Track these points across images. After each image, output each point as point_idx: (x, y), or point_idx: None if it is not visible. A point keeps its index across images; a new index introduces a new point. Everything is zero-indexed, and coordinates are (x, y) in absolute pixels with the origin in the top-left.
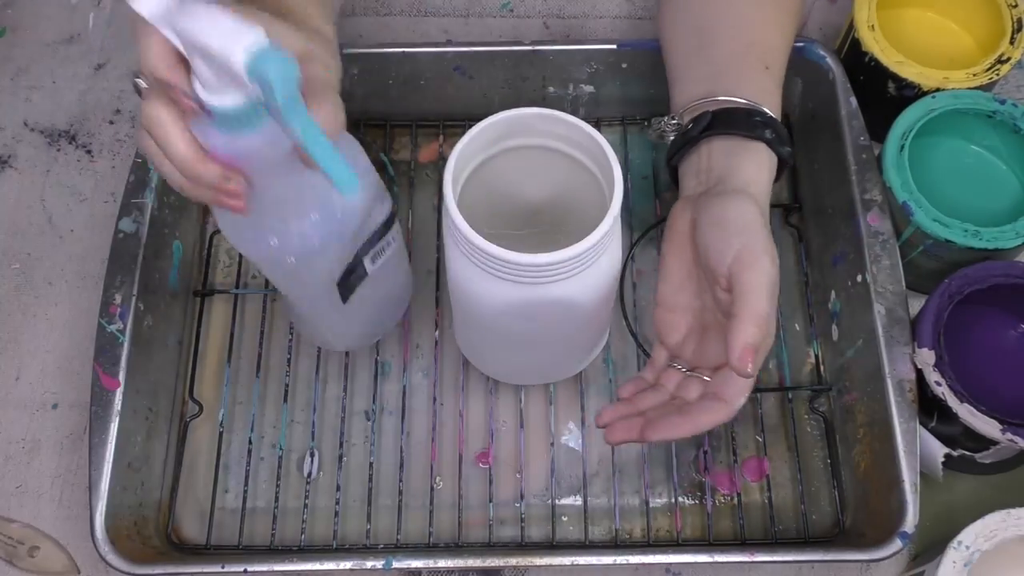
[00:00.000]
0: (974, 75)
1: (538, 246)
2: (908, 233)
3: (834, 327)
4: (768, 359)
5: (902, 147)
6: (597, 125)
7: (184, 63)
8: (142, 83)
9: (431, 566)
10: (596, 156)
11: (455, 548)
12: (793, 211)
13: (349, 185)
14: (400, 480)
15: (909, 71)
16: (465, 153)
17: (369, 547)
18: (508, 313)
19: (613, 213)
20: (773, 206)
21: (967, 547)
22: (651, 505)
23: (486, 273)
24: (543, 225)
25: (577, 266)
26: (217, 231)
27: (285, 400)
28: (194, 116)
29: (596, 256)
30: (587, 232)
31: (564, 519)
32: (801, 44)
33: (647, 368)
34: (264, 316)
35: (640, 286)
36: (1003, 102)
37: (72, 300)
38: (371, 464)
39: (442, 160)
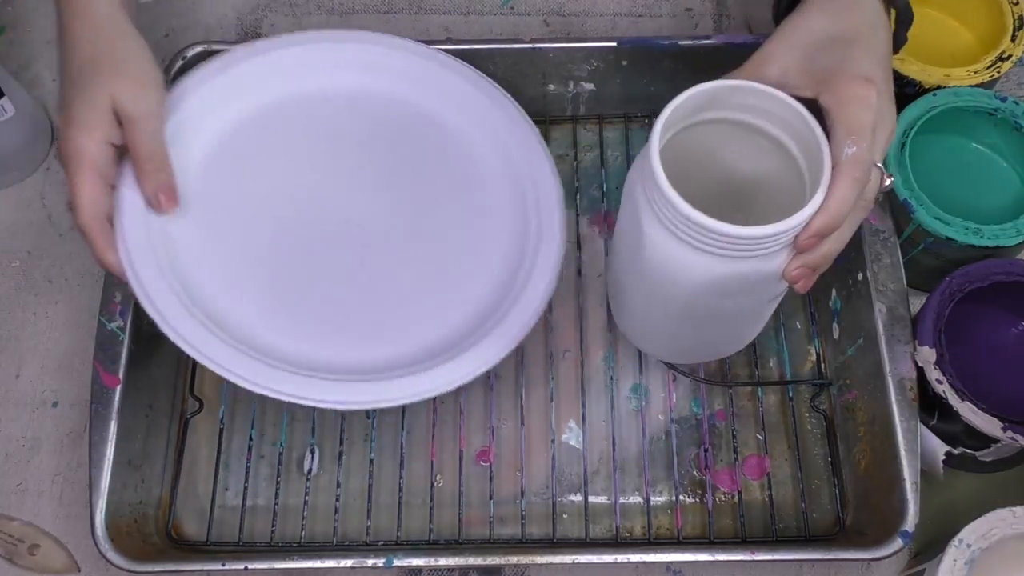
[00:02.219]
0: (975, 72)
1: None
2: (909, 231)
3: (835, 325)
4: (768, 357)
5: (903, 145)
6: (599, 122)
7: None
8: None
9: (432, 564)
10: (797, 131)
11: (456, 546)
12: None
13: None
14: (400, 478)
15: (910, 68)
16: (668, 123)
17: (369, 544)
18: (707, 289)
19: (824, 186)
20: None
21: (968, 545)
22: (652, 503)
23: (691, 247)
24: (715, 200)
25: (787, 240)
26: None
27: None
28: None
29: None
30: (769, 210)
31: (565, 517)
32: None
33: None
34: None
35: None
36: (1004, 100)
37: (72, 298)
38: (371, 461)
39: None
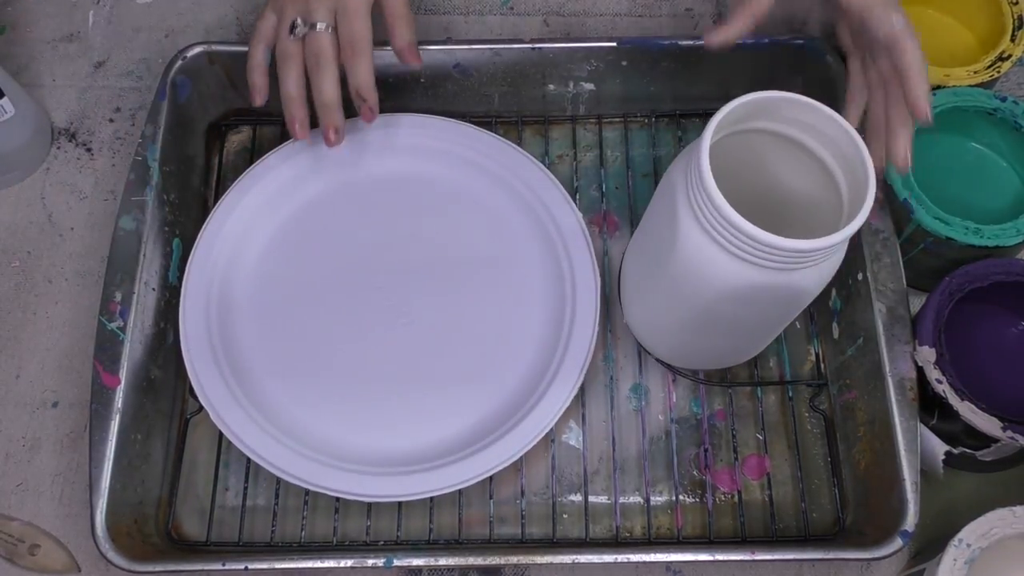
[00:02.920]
0: (975, 72)
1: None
2: (909, 231)
3: (834, 325)
4: (768, 357)
5: None
6: (599, 122)
7: None
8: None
9: (431, 564)
10: (843, 151)
11: (456, 546)
12: None
13: None
14: None
15: None
16: (720, 126)
17: (370, 544)
18: (734, 295)
19: (869, 205)
20: None
21: (968, 545)
22: (652, 503)
23: (727, 252)
24: (747, 207)
25: (824, 256)
26: None
27: None
28: None
29: (840, 248)
30: (799, 225)
31: (565, 517)
32: (801, 42)
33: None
34: None
35: None
36: (1004, 99)
37: (72, 298)
38: None
39: None
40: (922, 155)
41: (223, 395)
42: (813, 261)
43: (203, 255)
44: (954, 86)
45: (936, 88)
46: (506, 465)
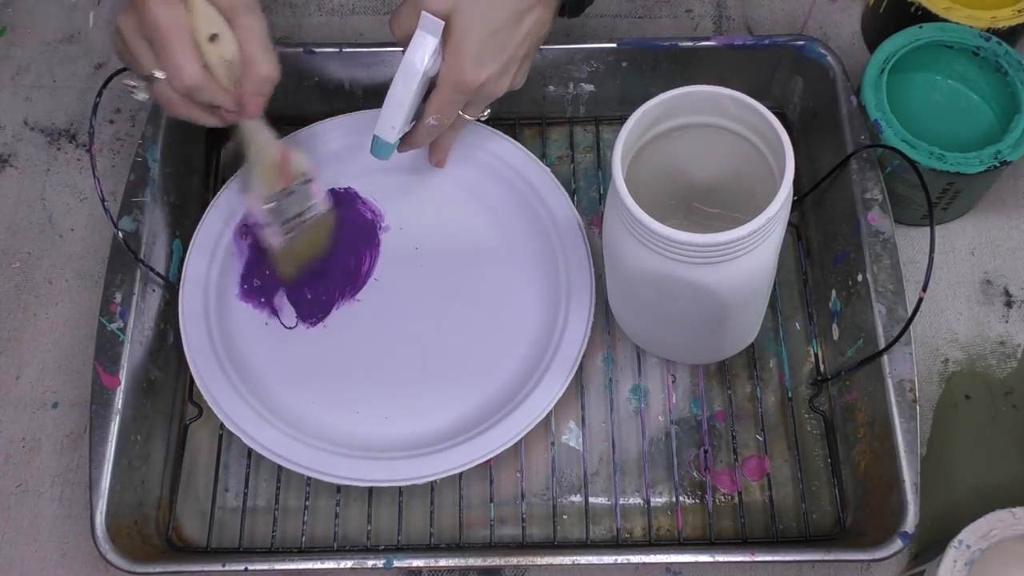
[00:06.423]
0: (1019, 11)
1: (717, 226)
2: (877, 153)
3: (834, 326)
4: (768, 358)
5: (882, 71)
6: (597, 124)
7: None
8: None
9: (432, 564)
10: (773, 146)
11: (456, 548)
12: (793, 210)
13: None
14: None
15: (958, 15)
16: (644, 120)
17: (370, 548)
18: (645, 280)
19: (768, 215)
20: None
21: (968, 546)
22: (652, 504)
23: (633, 237)
24: (721, 205)
25: (719, 255)
26: None
27: None
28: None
29: (743, 249)
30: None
31: (565, 518)
32: (802, 43)
33: None
34: None
35: None
36: (988, 39)
37: (72, 299)
38: None
39: None
40: (903, 89)
41: (223, 387)
42: (703, 258)
43: (201, 248)
44: (944, 22)
45: (987, 31)
46: (506, 448)
